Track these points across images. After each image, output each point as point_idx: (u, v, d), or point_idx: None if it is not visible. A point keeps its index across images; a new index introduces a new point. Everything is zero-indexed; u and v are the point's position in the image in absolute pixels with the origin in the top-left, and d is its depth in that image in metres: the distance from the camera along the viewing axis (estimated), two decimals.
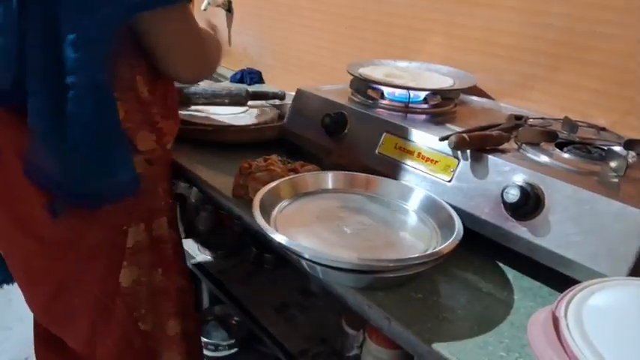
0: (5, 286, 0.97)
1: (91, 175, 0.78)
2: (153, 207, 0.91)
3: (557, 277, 0.64)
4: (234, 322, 1.60)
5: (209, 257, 1.41)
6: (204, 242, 1.45)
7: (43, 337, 1.04)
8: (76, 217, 0.82)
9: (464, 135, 0.72)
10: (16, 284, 0.94)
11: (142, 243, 0.89)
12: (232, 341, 1.54)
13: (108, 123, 0.77)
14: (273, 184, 0.80)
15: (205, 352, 1.55)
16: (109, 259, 0.86)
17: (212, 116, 1.17)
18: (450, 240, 0.66)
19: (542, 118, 0.89)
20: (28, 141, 0.75)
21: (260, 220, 0.69)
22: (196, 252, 1.43)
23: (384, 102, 0.96)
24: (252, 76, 1.68)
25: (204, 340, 1.52)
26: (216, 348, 1.53)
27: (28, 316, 1.02)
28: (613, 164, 0.69)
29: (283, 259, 0.78)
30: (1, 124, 0.78)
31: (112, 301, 0.88)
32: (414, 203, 0.79)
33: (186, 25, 0.80)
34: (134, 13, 0.72)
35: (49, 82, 0.72)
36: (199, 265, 1.38)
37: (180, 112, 1.16)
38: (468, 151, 0.74)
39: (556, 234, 0.64)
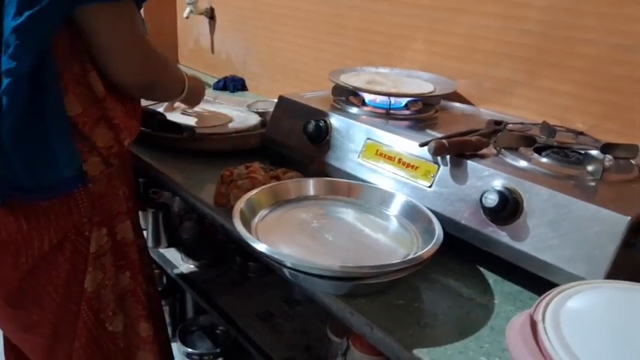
0: None
1: (34, 169, 0.77)
2: (114, 211, 0.90)
3: (537, 281, 0.64)
4: (219, 331, 1.59)
5: (193, 267, 1.40)
6: (187, 251, 1.43)
7: (11, 347, 1.04)
8: (26, 219, 0.81)
9: (443, 141, 0.73)
10: None
11: (105, 247, 0.89)
12: (217, 351, 1.53)
13: (50, 114, 0.76)
14: (253, 191, 0.79)
15: None
16: (70, 265, 0.85)
17: (196, 123, 1.17)
18: (430, 245, 0.66)
19: (521, 123, 0.90)
20: None
21: (240, 228, 0.69)
22: (180, 262, 1.42)
23: (365, 108, 0.96)
24: (235, 83, 1.68)
25: (189, 350, 1.50)
26: (201, 358, 1.51)
27: None
28: (590, 168, 0.69)
29: (268, 267, 0.78)
30: None
31: (76, 306, 0.88)
32: (394, 209, 0.79)
33: (128, 24, 0.79)
34: (78, 5, 0.72)
35: None
36: (183, 275, 1.36)
37: (166, 114, 1.16)
38: (448, 156, 0.75)
39: (535, 238, 0.64)
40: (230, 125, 1.18)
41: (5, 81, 0.71)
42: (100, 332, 0.91)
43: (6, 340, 1.08)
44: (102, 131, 0.82)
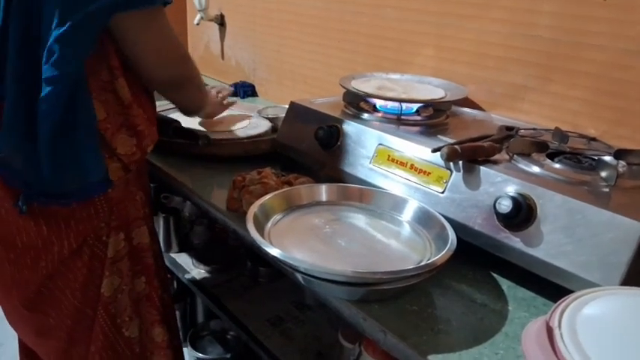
0: None
1: (62, 175, 0.79)
2: (131, 216, 0.91)
3: (551, 287, 0.64)
4: (229, 336, 1.59)
5: (203, 271, 1.40)
6: (198, 256, 1.44)
7: (27, 351, 1.04)
8: (46, 224, 0.82)
9: (455, 146, 0.73)
10: None
11: (122, 252, 0.89)
12: (228, 356, 1.53)
13: (81, 121, 0.77)
14: (266, 197, 0.80)
15: None
16: (88, 270, 0.86)
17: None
18: (444, 251, 0.66)
19: (533, 129, 0.90)
20: None
21: (254, 233, 0.69)
22: (191, 266, 1.42)
23: (376, 114, 0.96)
24: (245, 89, 1.69)
25: (200, 355, 1.50)
26: None
27: None
28: (603, 174, 0.69)
29: (278, 272, 0.78)
30: None
31: (93, 310, 0.88)
32: (407, 215, 0.79)
33: (164, 27, 0.82)
34: (117, 11, 0.74)
35: (24, 80, 0.73)
36: (194, 280, 1.37)
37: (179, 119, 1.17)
38: (460, 162, 0.75)
39: (548, 244, 0.64)
40: (241, 131, 1.19)
41: (47, 88, 0.72)
42: (116, 337, 0.91)
43: (21, 343, 1.09)
44: (123, 138, 0.83)
